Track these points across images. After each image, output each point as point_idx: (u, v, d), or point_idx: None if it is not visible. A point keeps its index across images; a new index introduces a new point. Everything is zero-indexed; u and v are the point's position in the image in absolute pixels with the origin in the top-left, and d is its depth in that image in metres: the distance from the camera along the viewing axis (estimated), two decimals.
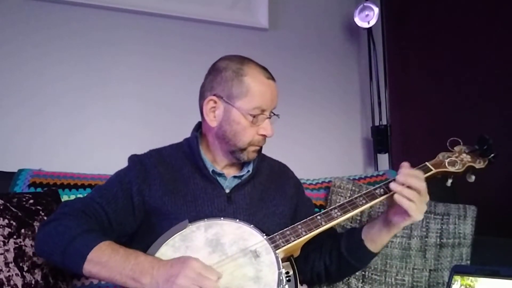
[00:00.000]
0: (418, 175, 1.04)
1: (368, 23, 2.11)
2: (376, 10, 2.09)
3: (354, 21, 2.14)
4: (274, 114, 1.15)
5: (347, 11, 2.29)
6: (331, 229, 1.11)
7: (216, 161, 1.18)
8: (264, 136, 1.14)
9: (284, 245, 1.00)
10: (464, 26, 1.96)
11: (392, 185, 1.03)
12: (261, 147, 1.19)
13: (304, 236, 1.03)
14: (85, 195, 1.16)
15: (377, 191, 1.09)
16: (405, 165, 1.06)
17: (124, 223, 1.09)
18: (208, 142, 1.18)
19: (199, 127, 1.22)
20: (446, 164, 1.13)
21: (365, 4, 2.11)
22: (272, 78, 1.15)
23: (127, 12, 1.92)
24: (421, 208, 1.02)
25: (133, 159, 1.17)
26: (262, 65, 1.16)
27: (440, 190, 1.19)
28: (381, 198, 1.08)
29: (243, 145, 1.12)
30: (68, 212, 1.02)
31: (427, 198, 1.04)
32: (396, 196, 1.02)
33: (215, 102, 1.12)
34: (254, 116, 1.10)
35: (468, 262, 1.42)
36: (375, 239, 1.11)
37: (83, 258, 0.92)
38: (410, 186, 1.01)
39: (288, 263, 1.04)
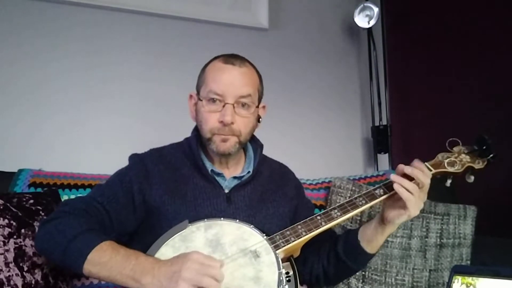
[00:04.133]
0: (425, 170, 1.05)
1: (368, 23, 2.11)
2: (376, 10, 2.09)
3: (354, 21, 2.13)
4: (244, 104, 1.10)
5: (347, 11, 2.29)
6: (330, 231, 1.11)
7: (212, 160, 1.18)
8: (221, 122, 1.08)
9: (284, 245, 1.00)
10: (464, 26, 1.96)
11: (393, 176, 1.04)
12: (241, 142, 1.13)
13: (304, 236, 1.03)
14: (86, 194, 1.16)
15: (377, 191, 1.09)
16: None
17: (125, 222, 1.09)
18: None
19: None
20: (445, 165, 1.14)
21: (365, 4, 2.11)
22: (235, 64, 1.11)
23: (127, 12, 1.91)
24: (419, 204, 1.03)
25: (134, 158, 1.17)
26: (231, 54, 1.15)
27: (440, 190, 1.19)
28: (381, 198, 1.08)
29: (206, 134, 1.12)
30: (69, 211, 1.02)
31: (426, 196, 1.05)
32: (395, 186, 1.02)
33: (191, 97, 1.18)
34: (209, 100, 1.10)
35: (468, 262, 1.42)
36: (371, 239, 1.11)
37: (83, 257, 0.92)
38: (416, 178, 1.02)
39: (288, 263, 1.04)
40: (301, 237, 1.03)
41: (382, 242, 1.12)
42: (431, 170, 1.11)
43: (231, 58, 1.13)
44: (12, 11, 1.76)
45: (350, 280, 1.41)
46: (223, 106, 1.09)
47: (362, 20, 2.12)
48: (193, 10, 2.01)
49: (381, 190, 1.09)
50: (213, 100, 1.10)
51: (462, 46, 1.96)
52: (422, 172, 1.04)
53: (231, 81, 1.09)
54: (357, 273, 1.37)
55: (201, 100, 1.12)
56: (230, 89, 1.09)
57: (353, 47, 2.38)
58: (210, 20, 2.05)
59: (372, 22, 2.10)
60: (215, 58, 1.16)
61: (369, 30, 2.17)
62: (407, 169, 1.03)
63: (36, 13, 1.79)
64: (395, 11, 2.28)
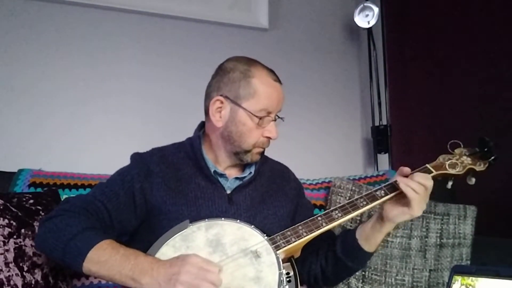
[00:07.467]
0: (427, 175, 1.07)
1: (368, 23, 2.11)
2: (376, 10, 2.09)
3: (354, 21, 2.13)
4: (279, 117, 1.16)
5: (347, 11, 2.29)
6: (329, 231, 1.11)
7: (218, 161, 1.17)
8: (269, 138, 1.14)
9: (285, 246, 1.01)
10: (464, 26, 1.96)
11: (399, 178, 1.07)
12: (264, 149, 1.19)
13: (304, 237, 1.03)
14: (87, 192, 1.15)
15: (378, 192, 1.10)
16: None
17: (125, 221, 1.09)
18: (212, 142, 1.18)
19: (202, 127, 1.22)
20: (447, 167, 1.14)
21: (365, 4, 2.11)
22: (279, 81, 1.16)
23: (127, 12, 1.91)
24: (422, 205, 1.04)
25: (135, 157, 1.16)
26: (269, 68, 1.16)
27: (440, 190, 1.19)
28: (382, 199, 1.08)
29: (248, 147, 1.13)
30: (70, 209, 1.02)
31: (428, 198, 1.06)
32: (402, 185, 1.05)
33: (222, 102, 1.12)
34: (260, 118, 1.10)
35: (468, 262, 1.42)
36: (369, 237, 1.11)
37: (83, 256, 0.92)
38: (418, 182, 1.04)
39: (288, 263, 1.04)
40: (301, 238, 1.03)
41: (380, 241, 1.12)
42: (432, 172, 1.11)
43: (274, 74, 1.16)
44: (11, 9, 1.75)
45: (350, 280, 1.41)
46: (268, 122, 1.12)
47: (362, 20, 2.12)
48: (193, 10, 2.01)
49: (382, 192, 1.09)
50: (264, 117, 1.11)
51: (462, 46, 1.96)
52: (423, 176, 1.06)
53: (279, 99, 1.14)
54: (357, 273, 1.38)
55: (250, 113, 1.10)
56: (278, 108, 1.15)
57: (353, 47, 2.38)
58: (210, 20, 2.05)
59: (372, 22, 2.10)
60: (258, 68, 1.14)
61: (369, 30, 2.16)
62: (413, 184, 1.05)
63: (36, 12, 1.79)
64: (395, 11, 2.28)
